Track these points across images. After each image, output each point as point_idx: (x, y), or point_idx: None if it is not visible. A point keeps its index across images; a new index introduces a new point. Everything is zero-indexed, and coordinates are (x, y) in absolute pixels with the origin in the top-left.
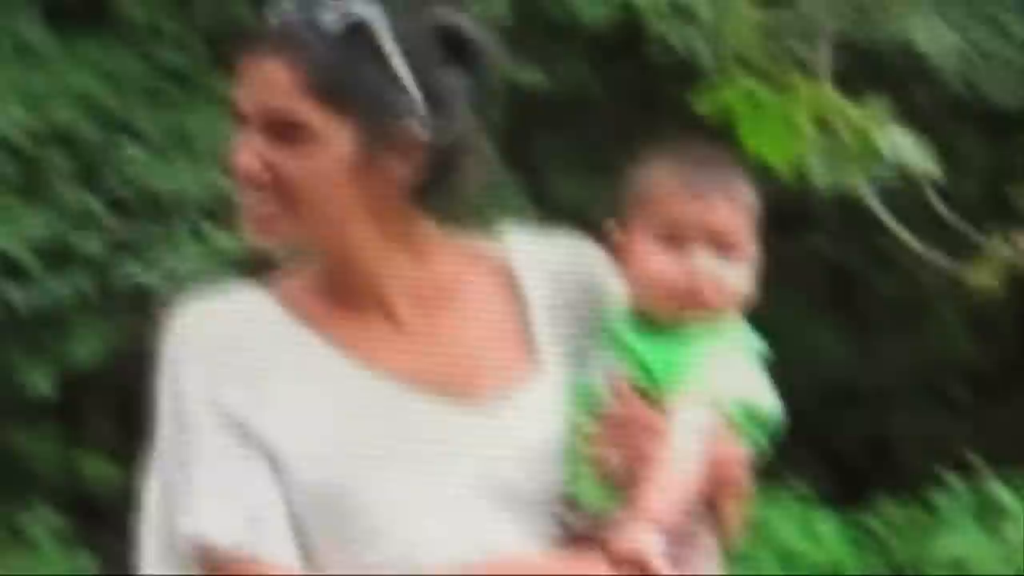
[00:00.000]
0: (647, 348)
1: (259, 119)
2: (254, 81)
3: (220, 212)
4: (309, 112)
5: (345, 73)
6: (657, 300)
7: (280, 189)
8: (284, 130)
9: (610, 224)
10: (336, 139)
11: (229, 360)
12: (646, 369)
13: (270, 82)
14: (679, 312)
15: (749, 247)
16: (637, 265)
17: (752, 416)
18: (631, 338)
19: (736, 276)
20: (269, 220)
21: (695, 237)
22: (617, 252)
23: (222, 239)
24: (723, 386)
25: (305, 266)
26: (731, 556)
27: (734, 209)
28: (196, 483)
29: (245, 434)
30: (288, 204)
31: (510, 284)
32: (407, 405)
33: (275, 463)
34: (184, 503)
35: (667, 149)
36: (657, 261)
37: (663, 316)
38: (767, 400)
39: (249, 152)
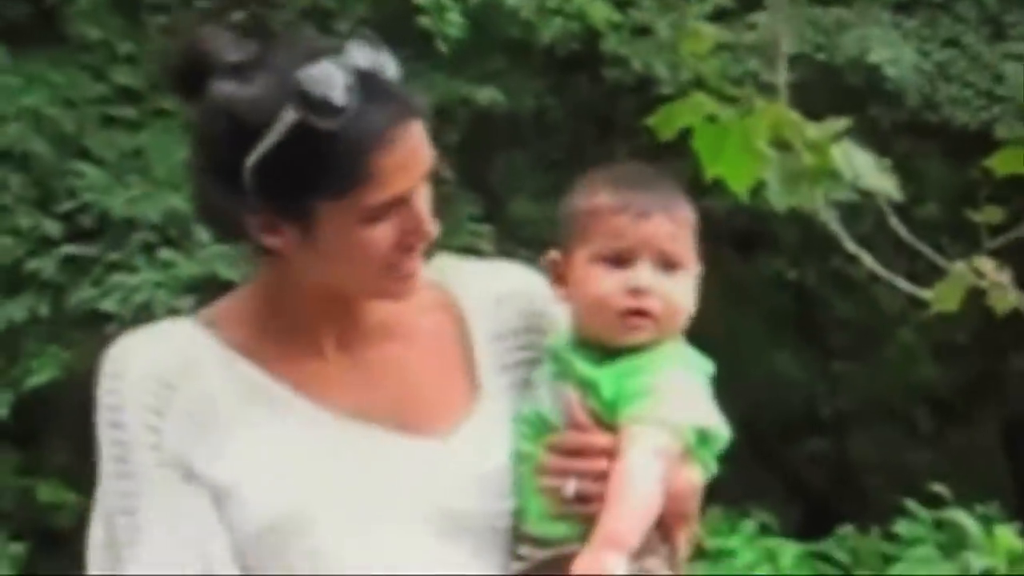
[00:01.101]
0: (597, 373)
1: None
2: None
3: (176, 235)
4: None
5: None
6: (605, 321)
7: None
8: None
9: (552, 253)
10: None
11: (168, 398)
12: (598, 395)
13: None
14: (628, 332)
15: (692, 264)
16: (582, 288)
17: (705, 440)
18: (580, 364)
19: (682, 292)
20: None
21: (639, 255)
22: (558, 278)
23: (178, 262)
24: (678, 410)
25: (239, 297)
26: None
27: (676, 227)
28: (141, 529)
29: (188, 474)
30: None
31: (453, 315)
32: (353, 438)
33: (220, 500)
34: (129, 551)
35: (603, 172)
36: (603, 281)
37: (611, 339)
38: (718, 423)
39: None
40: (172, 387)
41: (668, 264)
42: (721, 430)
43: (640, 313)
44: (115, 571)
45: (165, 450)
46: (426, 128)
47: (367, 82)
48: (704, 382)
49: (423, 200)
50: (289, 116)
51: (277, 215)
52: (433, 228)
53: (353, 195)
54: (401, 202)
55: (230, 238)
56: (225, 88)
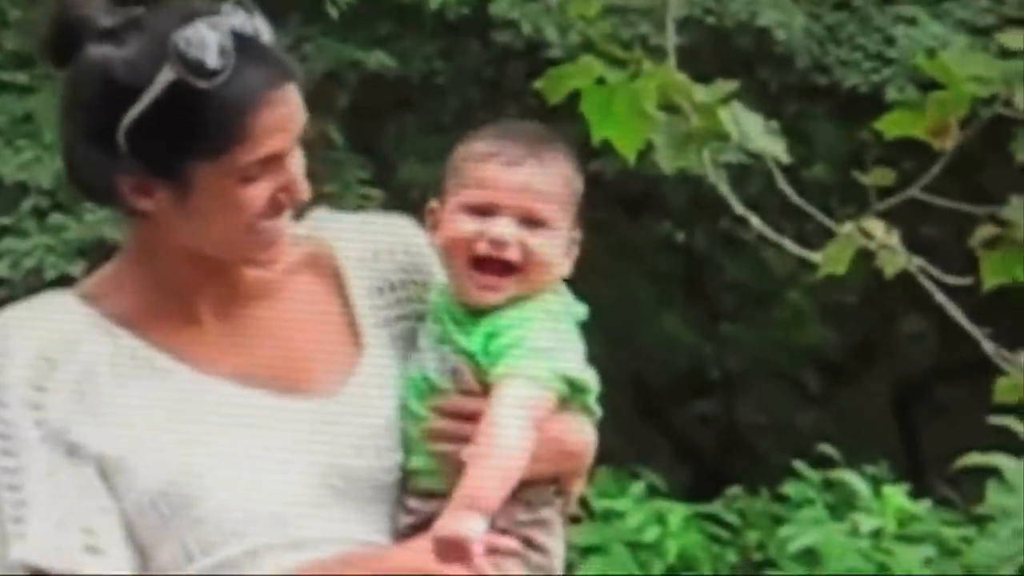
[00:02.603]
0: (468, 339)
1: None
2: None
3: (66, 200)
4: None
5: None
6: (458, 272)
7: None
8: None
9: (432, 202)
10: None
11: (49, 374)
12: (468, 353)
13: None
14: (481, 292)
15: (562, 222)
16: (442, 234)
17: (577, 388)
18: (453, 330)
19: (544, 248)
20: None
21: (503, 207)
22: (432, 225)
23: (69, 226)
24: (543, 362)
25: (116, 267)
26: (582, 548)
27: (547, 179)
28: (26, 506)
29: (72, 448)
30: None
31: (330, 270)
32: (236, 403)
33: (107, 473)
34: (15, 528)
35: (491, 126)
36: (460, 228)
37: (468, 300)
38: (585, 372)
39: None
40: (53, 362)
41: (532, 221)
42: (589, 379)
43: (495, 267)
44: (1, 547)
45: (48, 425)
46: (300, 92)
47: (242, 44)
48: (572, 332)
49: (297, 163)
50: (166, 75)
51: (151, 177)
52: (305, 190)
53: (228, 155)
54: (275, 161)
55: (102, 203)
56: (100, 51)
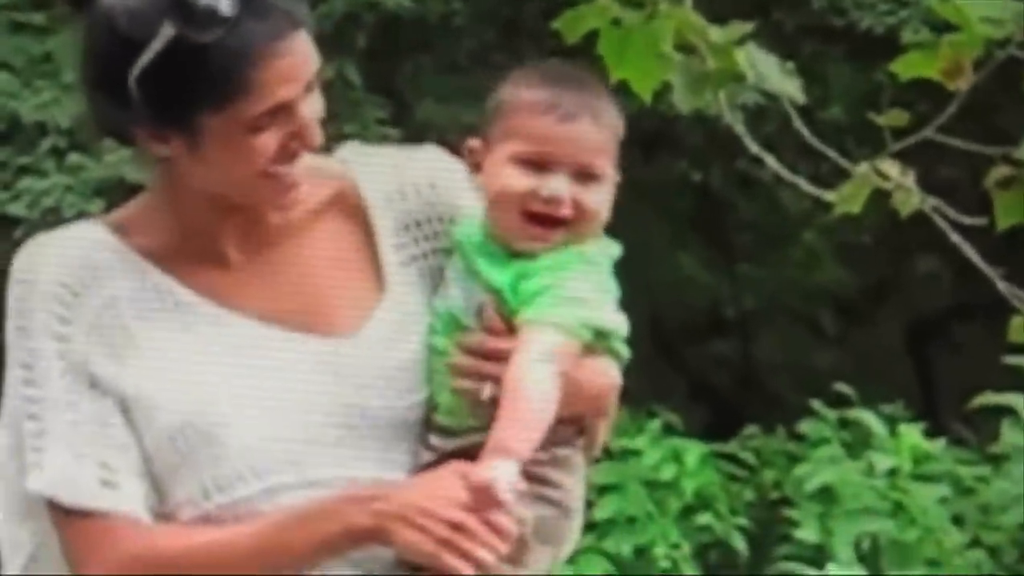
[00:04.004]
0: (500, 278)
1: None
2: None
3: (85, 140)
4: None
5: None
6: (509, 223)
7: None
8: None
9: (472, 141)
10: None
11: (75, 305)
12: (497, 291)
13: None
14: (529, 239)
15: (611, 174)
16: (494, 184)
17: (604, 335)
18: (484, 267)
19: (596, 202)
20: None
21: (558, 162)
22: (476, 168)
23: (87, 166)
24: (569, 309)
25: (144, 202)
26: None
27: (600, 133)
28: (46, 436)
29: (94, 381)
30: None
31: (356, 208)
32: (260, 341)
33: (129, 407)
34: (34, 457)
35: (535, 68)
36: (515, 182)
37: (513, 243)
38: (612, 319)
39: None
40: (79, 294)
41: (586, 175)
42: (618, 325)
43: (547, 221)
44: (18, 476)
45: (71, 357)
46: (309, 37)
47: None
48: (604, 277)
49: (309, 109)
50: (167, 30)
51: (163, 126)
52: (317, 136)
53: (234, 106)
54: (284, 110)
55: (127, 145)
56: (108, 0)
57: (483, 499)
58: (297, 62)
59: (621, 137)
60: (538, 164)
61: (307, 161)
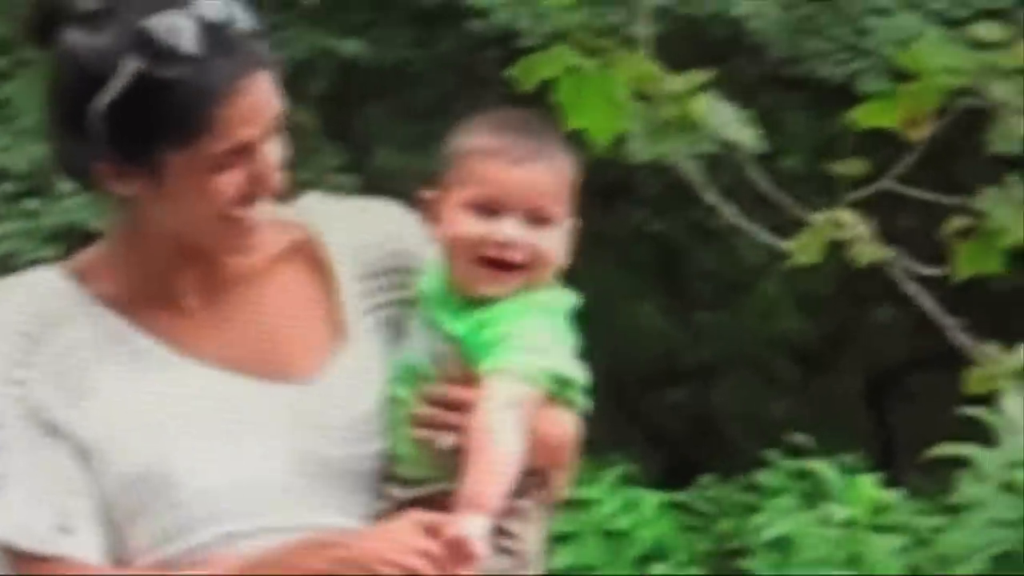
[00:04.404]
0: (459, 327)
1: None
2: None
3: (41, 185)
4: None
5: None
6: (464, 269)
7: None
8: None
9: (427, 189)
10: None
11: (32, 351)
12: (461, 346)
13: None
14: (485, 283)
15: (564, 219)
16: (448, 231)
17: (566, 384)
18: (443, 318)
19: (550, 245)
20: None
21: (511, 207)
22: (432, 219)
23: (42, 212)
24: (531, 358)
25: (102, 248)
26: (555, 536)
27: (553, 177)
28: (3, 481)
29: (51, 428)
30: None
31: (317, 256)
32: (217, 387)
33: (88, 453)
34: None
35: (488, 115)
36: (467, 228)
37: (470, 290)
38: (573, 367)
39: None
40: (36, 340)
41: (539, 218)
42: (577, 373)
43: (502, 266)
44: None
45: (29, 403)
46: (275, 79)
47: (215, 33)
48: (562, 326)
49: (271, 152)
50: (131, 65)
51: (125, 163)
52: (278, 180)
53: (196, 144)
54: (246, 150)
55: (89, 187)
56: (72, 36)
57: (457, 554)
58: (260, 101)
59: (575, 182)
60: (491, 209)
61: (268, 209)
